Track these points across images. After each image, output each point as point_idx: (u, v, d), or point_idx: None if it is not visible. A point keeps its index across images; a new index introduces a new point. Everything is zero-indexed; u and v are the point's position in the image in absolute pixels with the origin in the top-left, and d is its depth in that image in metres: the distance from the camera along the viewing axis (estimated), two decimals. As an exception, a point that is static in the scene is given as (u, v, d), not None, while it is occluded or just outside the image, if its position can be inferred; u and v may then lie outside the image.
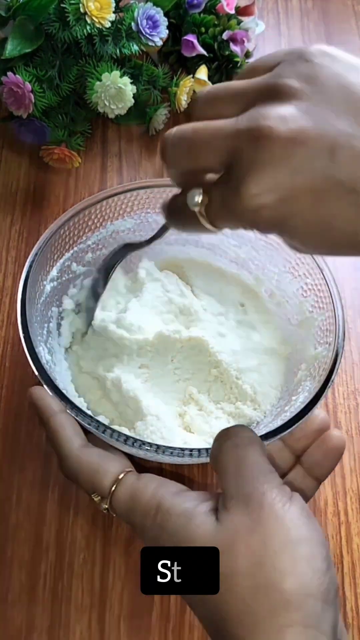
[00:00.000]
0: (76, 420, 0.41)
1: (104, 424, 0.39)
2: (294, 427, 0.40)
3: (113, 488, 0.38)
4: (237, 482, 0.33)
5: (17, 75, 0.53)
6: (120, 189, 0.48)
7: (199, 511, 0.34)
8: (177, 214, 0.32)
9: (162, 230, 0.41)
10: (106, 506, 0.38)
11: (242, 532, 0.32)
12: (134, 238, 0.50)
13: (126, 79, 0.55)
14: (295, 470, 0.42)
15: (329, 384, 0.42)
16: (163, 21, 0.57)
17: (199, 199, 0.29)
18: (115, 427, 0.44)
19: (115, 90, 0.55)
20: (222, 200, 0.28)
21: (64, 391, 0.41)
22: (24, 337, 0.41)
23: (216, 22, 0.62)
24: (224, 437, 0.36)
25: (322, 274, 0.46)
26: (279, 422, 0.41)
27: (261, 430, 0.44)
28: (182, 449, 0.39)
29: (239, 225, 0.28)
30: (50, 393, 0.41)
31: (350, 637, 0.44)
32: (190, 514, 0.34)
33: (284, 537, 0.31)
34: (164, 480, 0.38)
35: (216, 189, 0.28)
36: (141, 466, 0.48)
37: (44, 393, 0.42)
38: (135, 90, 0.56)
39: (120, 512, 0.38)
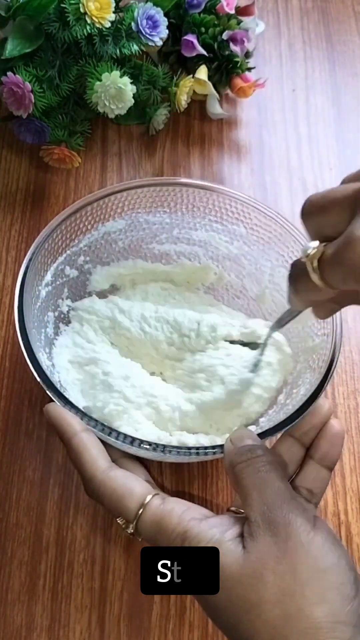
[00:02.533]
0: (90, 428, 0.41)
1: (107, 425, 0.39)
2: (297, 420, 0.40)
3: (139, 512, 0.38)
4: (262, 509, 0.34)
5: (17, 75, 0.53)
6: (110, 190, 0.49)
7: (226, 539, 0.34)
8: (293, 276, 0.34)
9: (291, 314, 0.42)
10: (132, 531, 0.38)
11: (270, 561, 0.32)
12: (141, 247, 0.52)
13: (126, 79, 0.55)
14: (308, 465, 0.42)
15: (330, 375, 0.42)
16: (163, 21, 0.57)
17: (312, 250, 0.31)
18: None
19: (115, 90, 0.55)
20: (335, 251, 0.29)
21: (66, 395, 0.41)
22: (24, 344, 0.41)
23: (216, 22, 0.62)
24: (245, 460, 0.36)
25: None
26: (282, 416, 0.41)
27: (265, 425, 0.44)
28: (188, 448, 0.39)
29: (348, 279, 0.29)
30: (57, 402, 0.40)
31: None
32: (218, 542, 0.34)
33: (312, 566, 0.32)
34: (189, 505, 0.38)
35: (331, 243, 0.30)
36: (142, 461, 0.48)
37: (62, 411, 0.41)
38: (135, 90, 0.56)
39: (146, 537, 0.38)
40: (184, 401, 0.47)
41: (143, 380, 0.48)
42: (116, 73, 0.54)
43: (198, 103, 0.65)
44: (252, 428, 0.46)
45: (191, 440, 0.45)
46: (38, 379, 0.40)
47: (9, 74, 0.53)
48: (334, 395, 0.53)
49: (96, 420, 0.40)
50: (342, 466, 0.50)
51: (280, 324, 0.44)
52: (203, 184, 0.50)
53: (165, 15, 0.58)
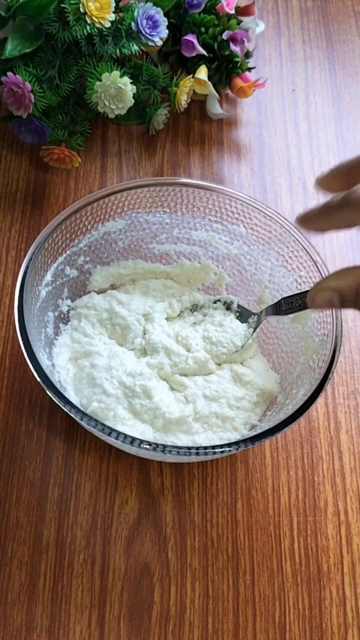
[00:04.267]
0: (75, 419, 0.41)
1: (107, 425, 0.39)
2: (297, 420, 0.40)
3: None
4: None
5: (17, 75, 0.53)
6: (110, 190, 0.49)
7: None
8: None
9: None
10: None
11: None
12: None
13: (126, 79, 0.55)
14: None
15: (330, 375, 0.42)
16: (163, 21, 0.57)
17: None
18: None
19: (115, 90, 0.55)
20: None
21: (66, 395, 0.41)
22: (24, 344, 0.41)
23: (216, 22, 0.62)
24: None
25: (316, 267, 0.47)
26: (282, 416, 0.41)
27: (265, 425, 0.44)
28: (188, 448, 0.39)
29: None
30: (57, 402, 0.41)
31: (350, 637, 0.44)
32: None
33: None
34: None
35: None
36: (142, 461, 0.48)
37: None
38: (135, 90, 0.56)
39: None
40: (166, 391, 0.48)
41: (125, 371, 0.47)
42: (116, 73, 0.54)
43: (198, 103, 0.65)
44: (251, 432, 0.46)
45: (189, 440, 0.45)
46: (38, 379, 0.40)
47: (9, 74, 0.53)
48: (334, 395, 0.53)
49: (96, 421, 0.40)
50: (342, 466, 0.50)
51: (281, 310, 0.45)
52: (203, 184, 0.50)
53: (165, 15, 0.58)
